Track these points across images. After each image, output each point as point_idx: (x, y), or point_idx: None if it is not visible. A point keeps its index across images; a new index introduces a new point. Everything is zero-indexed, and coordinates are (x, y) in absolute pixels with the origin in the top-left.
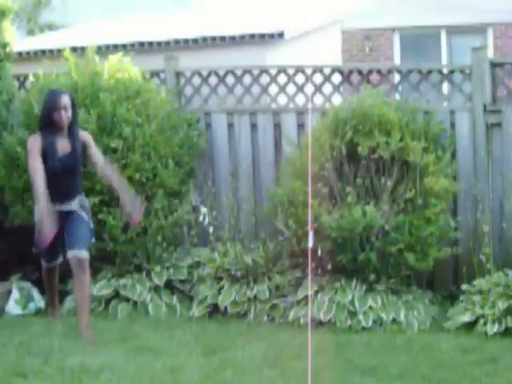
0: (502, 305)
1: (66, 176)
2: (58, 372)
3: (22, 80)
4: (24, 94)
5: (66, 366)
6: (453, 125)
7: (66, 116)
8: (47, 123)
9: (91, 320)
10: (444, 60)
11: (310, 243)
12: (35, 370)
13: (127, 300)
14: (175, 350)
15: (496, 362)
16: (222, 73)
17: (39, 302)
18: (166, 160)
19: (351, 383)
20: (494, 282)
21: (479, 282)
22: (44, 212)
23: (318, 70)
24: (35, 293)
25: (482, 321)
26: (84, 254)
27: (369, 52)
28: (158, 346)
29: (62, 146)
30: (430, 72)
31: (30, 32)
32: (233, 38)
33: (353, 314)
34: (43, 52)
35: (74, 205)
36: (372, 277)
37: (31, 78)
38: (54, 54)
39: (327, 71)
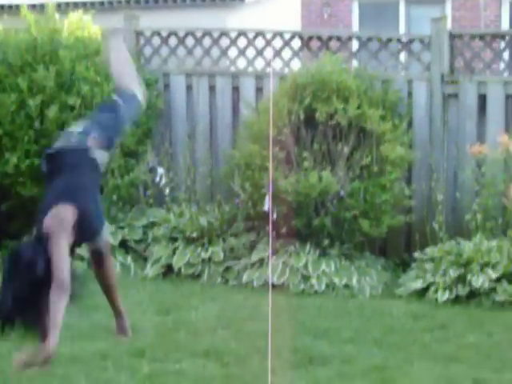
0: (453, 273)
1: None
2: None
3: None
4: None
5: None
6: (410, 94)
7: None
8: None
9: None
10: (402, 29)
11: (267, 206)
12: None
13: (81, 258)
14: (129, 309)
15: (446, 329)
16: (181, 34)
17: None
18: None
19: (303, 346)
20: (446, 251)
21: (431, 250)
22: None
23: (277, 34)
24: None
25: (432, 288)
26: None
27: (327, 18)
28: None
29: None
30: (389, 40)
31: None
32: (194, 0)
33: (306, 278)
34: (2, 7)
35: None
36: (326, 242)
37: None
38: (14, 10)
39: (287, 36)
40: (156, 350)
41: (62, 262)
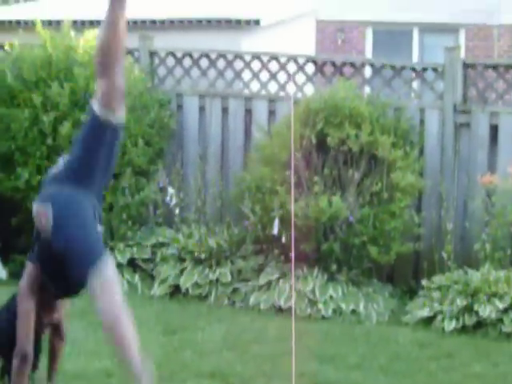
0: (460, 302)
1: None
2: None
3: None
4: None
5: None
6: (422, 122)
7: None
8: None
9: None
10: (415, 57)
11: (276, 230)
12: None
13: None
14: (136, 327)
15: (452, 358)
16: (196, 55)
17: (1, 272)
18: (136, 139)
19: (310, 371)
20: (454, 280)
21: (439, 279)
22: None
23: (291, 59)
24: None
25: (439, 317)
26: None
27: (341, 44)
28: None
29: None
30: (402, 68)
31: (5, 1)
32: (209, 22)
33: (313, 303)
34: (18, 23)
35: None
36: (334, 267)
37: (6, 48)
38: (30, 26)
39: (301, 61)
40: (162, 369)
41: (23, 329)
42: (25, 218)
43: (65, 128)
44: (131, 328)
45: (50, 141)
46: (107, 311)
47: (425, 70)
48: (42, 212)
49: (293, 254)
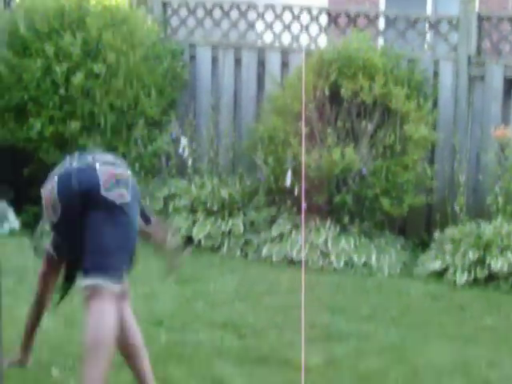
0: (472, 255)
1: None
2: (31, 291)
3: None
4: (9, 15)
5: None
6: (436, 74)
7: None
8: None
9: None
10: (429, 9)
11: (289, 181)
12: (9, 289)
13: None
14: (148, 277)
15: (463, 310)
16: (209, 6)
17: (14, 222)
18: (149, 89)
19: (322, 321)
20: (466, 232)
21: (451, 232)
22: None
23: (305, 9)
24: (10, 213)
25: (451, 269)
26: None
27: None
28: (132, 273)
29: None
30: (417, 20)
31: None
32: None
33: (325, 255)
34: None
35: None
36: (346, 219)
37: None
38: None
39: (315, 12)
40: (174, 319)
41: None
42: (37, 169)
43: (77, 78)
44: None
45: (62, 91)
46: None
47: (439, 21)
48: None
49: (303, 206)
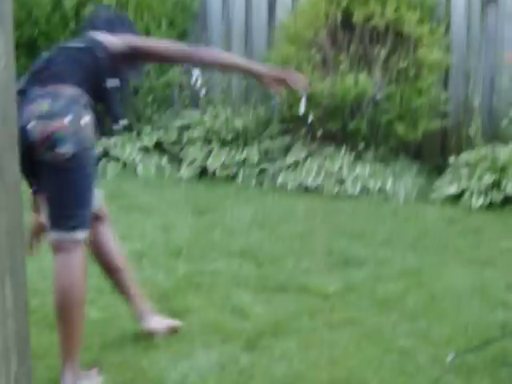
0: (487, 178)
1: None
2: None
3: None
4: None
5: None
6: None
7: None
8: None
9: None
10: None
11: (303, 109)
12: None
13: (116, 159)
14: (165, 209)
15: (480, 234)
16: None
17: None
18: (160, 20)
19: (339, 247)
20: (482, 156)
21: (466, 155)
22: None
23: None
24: None
25: (467, 193)
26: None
27: None
28: (148, 205)
29: None
30: None
31: None
32: None
33: (340, 182)
34: None
35: None
36: (361, 145)
37: None
38: None
39: None
40: (192, 249)
41: None
42: None
43: (87, 11)
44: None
45: (72, 25)
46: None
47: None
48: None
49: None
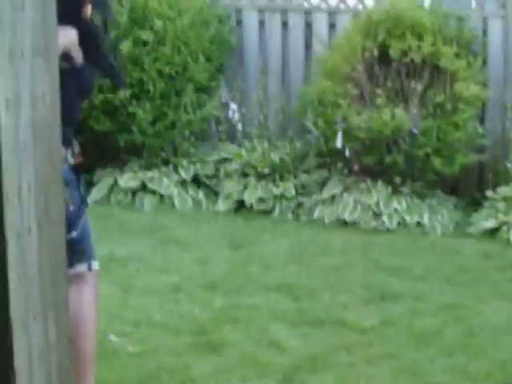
0: None
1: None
2: None
3: None
4: None
5: None
6: (485, 32)
7: None
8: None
9: (118, 211)
10: None
11: (339, 143)
12: None
13: (154, 193)
14: (202, 242)
15: None
16: None
17: None
18: (197, 55)
19: (376, 281)
20: None
21: (504, 190)
22: None
23: None
24: None
25: (504, 227)
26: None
27: None
28: (185, 239)
29: None
30: None
31: None
32: None
33: (377, 216)
34: None
35: None
36: (398, 179)
37: None
38: None
39: None
40: (228, 283)
41: None
42: (88, 137)
43: (125, 46)
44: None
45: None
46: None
47: None
48: None
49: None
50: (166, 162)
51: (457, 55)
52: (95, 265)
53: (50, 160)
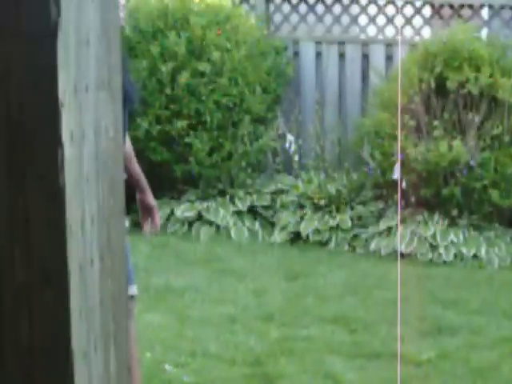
0: None
1: None
2: (144, 291)
3: None
4: None
5: (151, 285)
6: None
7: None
8: None
9: (174, 241)
10: None
11: (396, 175)
12: None
13: (210, 223)
14: (258, 273)
15: None
16: (311, 1)
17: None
18: (254, 86)
19: (432, 315)
20: None
21: None
22: None
23: (408, 2)
24: None
25: None
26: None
27: None
28: (241, 269)
29: None
30: None
31: None
32: None
33: (434, 248)
34: None
35: None
36: (455, 212)
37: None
38: None
39: (418, 4)
40: (284, 314)
41: None
42: (145, 168)
43: (183, 77)
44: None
45: (168, 90)
46: None
47: None
48: None
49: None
50: (222, 193)
51: None
52: (134, 290)
53: (112, 192)
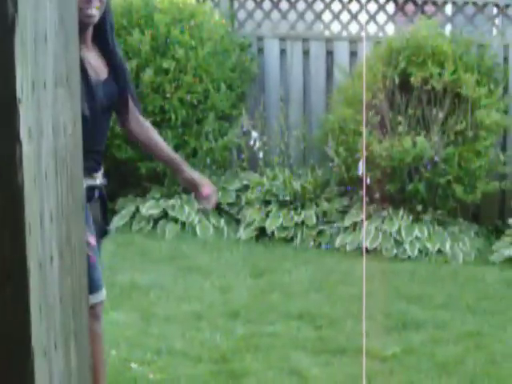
0: None
1: (100, 122)
2: (109, 289)
3: None
4: None
5: (116, 283)
6: (506, 59)
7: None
8: None
9: (140, 239)
10: None
11: (361, 171)
12: None
13: (175, 220)
14: (223, 270)
15: None
16: None
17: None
18: (218, 83)
19: (397, 310)
20: None
21: None
22: None
23: None
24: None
25: None
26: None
27: None
28: (207, 267)
29: (94, 65)
30: (485, 5)
31: None
32: None
33: (399, 244)
34: None
35: (99, 177)
36: (419, 207)
37: None
38: None
39: (382, 0)
40: (250, 311)
41: None
42: (109, 165)
43: (147, 75)
44: None
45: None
46: None
47: (508, 5)
48: None
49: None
50: (187, 190)
51: (478, 83)
52: (103, 295)
53: (72, 189)
